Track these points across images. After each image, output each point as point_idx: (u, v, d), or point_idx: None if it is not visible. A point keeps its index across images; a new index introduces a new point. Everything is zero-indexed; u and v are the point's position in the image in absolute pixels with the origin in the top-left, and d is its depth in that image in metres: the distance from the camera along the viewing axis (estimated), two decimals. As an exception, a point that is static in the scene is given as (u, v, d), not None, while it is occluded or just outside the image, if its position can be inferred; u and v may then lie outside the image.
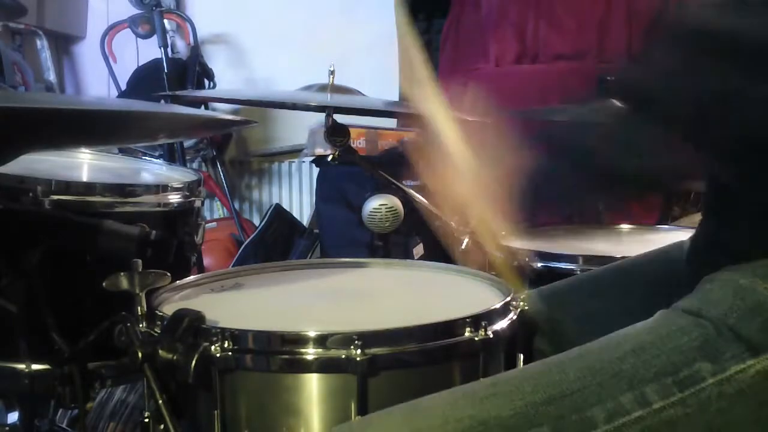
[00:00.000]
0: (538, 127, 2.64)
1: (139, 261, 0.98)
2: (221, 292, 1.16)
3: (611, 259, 1.34)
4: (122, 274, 0.97)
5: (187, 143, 3.37)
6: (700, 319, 0.74)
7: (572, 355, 0.76)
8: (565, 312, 1.08)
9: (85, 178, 1.43)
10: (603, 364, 0.73)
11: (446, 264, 1.27)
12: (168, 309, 1.00)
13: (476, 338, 0.93)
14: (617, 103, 0.78)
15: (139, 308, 0.98)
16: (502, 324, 0.96)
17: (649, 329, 0.76)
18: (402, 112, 2.49)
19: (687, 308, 0.77)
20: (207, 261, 2.89)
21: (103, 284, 0.97)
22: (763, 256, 0.76)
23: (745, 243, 0.79)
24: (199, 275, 1.22)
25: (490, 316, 0.95)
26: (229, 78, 3.60)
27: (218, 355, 0.89)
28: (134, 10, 3.41)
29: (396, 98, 3.21)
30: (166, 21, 3.41)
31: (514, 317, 0.99)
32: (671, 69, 0.72)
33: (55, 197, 1.15)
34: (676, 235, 1.16)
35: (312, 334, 0.89)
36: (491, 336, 0.93)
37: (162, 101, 2.52)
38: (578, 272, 1.38)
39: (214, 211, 3.65)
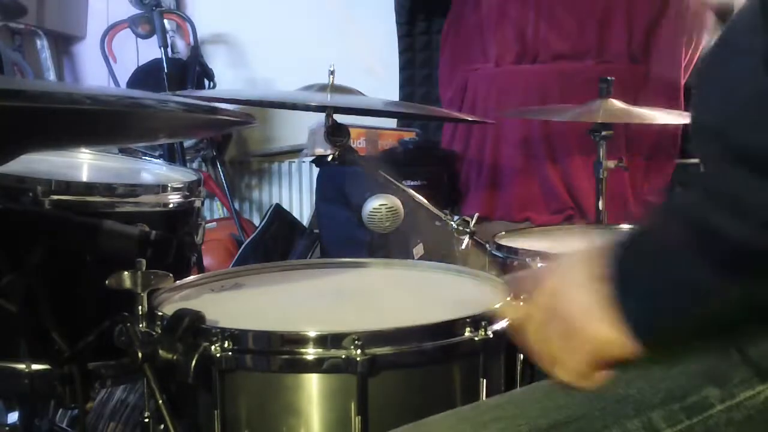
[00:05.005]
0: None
1: (144, 261, 0.98)
2: (221, 292, 1.16)
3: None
4: (126, 273, 0.97)
5: (187, 143, 3.37)
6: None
7: None
8: None
9: (85, 178, 1.43)
10: (608, 387, 0.71)
11: (446, 264, 1.27)
12: (168, 309, 1.00)
13: (476, 338, 0.93)
14: None
15: (140, 308, 0.98)
16: (502, 324, 0.96)
17: None
18: (402, 112, 2.50)
19: None
20: (207, 261, 2.88)
21: (106, 282, 0.97)
22: None
23: None
24: (199, 275, 1.22)
25: (490, 316, 0.95)
26: (229, 78, 3.60)
27: (218, 355, 0.89)
28: (134, 10, 3.40)
29: (396, 98, 3.22)
30: (166, 21, 3.41)
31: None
32: None
33: (55, 197, 1.15)
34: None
35: (312, 334, 0.89)
36: (491, 336, 0.93)
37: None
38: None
39: (214, 211, 3.64)
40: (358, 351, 0.87)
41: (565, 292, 0.69)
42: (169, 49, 3.35)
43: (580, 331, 0.68)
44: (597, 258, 0.67)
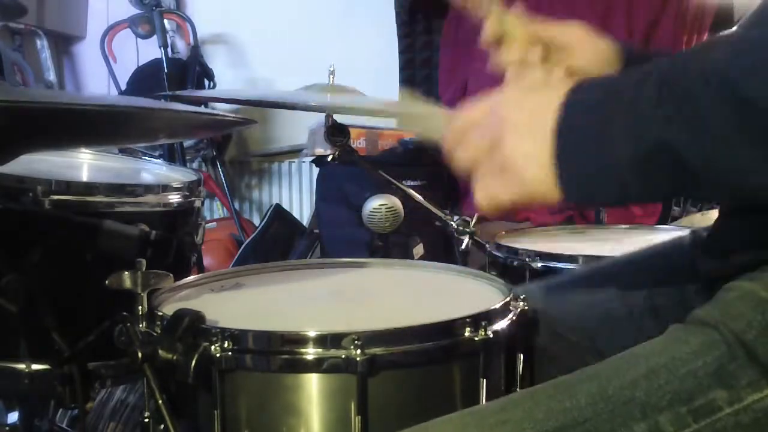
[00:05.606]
0: None
1: (143, 261, 0.98)
2: (221, 292, 1.16)
3: (611, 259, 1.34)
4: (126, 273, 0.97)
5: (187, 143, 3.38)
6: (715, 334, 0.70)
7: (582, 378, 0.73)
8: (565, 307, 1.07)
9: (85, 178, 1.43)
10: (614, 389, 0.70)
11: (446, 264, 1.27)
12: (168, 309, 1.00)
13: (476, 338, 0.92)
14: None
15: (140, 308, 0.98)
16: (502, 324, 0.96)
17: (661, 349, 0.73)
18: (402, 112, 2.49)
19: (705, 319, 0.72)
20: (207, 261, 2.89)
21: (106, 282, 0.97)
22: None
23: None
24: (199, 275, 1.22)
25: (490, 316, 0.95)
26: (229, 78, 3.61)
27: (218, 355, 0.89)
28: (134, 10, 3.41)
29: (396, 98, 3.22)
30: (166, 21, 3.41)
31: (514, 317, 0.99)
32: None
33: (55, 197, 1.15)
34: (675, 236, 1.16)
35: (312, 334, 0.89)
36: (491, 336, 0.93)
37: (162, 101, 2.52)
38: (578, 273, 1.38)
39: (214, 211, 3.65)
40: (358, 351, 0.87)
41: (513, 131, 0.72)
42: (169, 49, 3.36)
43: (519, 173, 0.71)
44: (552, 107, 0.69)
